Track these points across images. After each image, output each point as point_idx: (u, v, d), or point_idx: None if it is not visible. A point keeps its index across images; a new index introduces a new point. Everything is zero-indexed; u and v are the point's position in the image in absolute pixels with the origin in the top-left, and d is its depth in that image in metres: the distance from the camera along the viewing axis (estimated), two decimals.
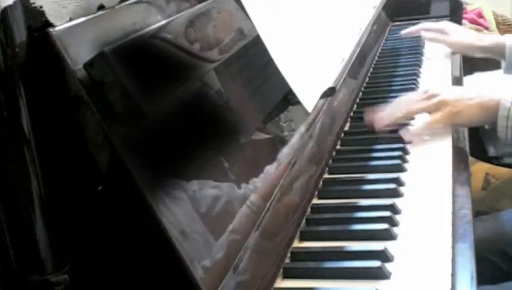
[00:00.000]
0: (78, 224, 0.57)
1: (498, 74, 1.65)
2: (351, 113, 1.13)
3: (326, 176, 0.91)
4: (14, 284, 0.55)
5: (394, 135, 1.01)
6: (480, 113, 0.97)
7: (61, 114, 0.55)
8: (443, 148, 0.96)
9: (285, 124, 0.87)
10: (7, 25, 0.52)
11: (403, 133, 0.99)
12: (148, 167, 0.57)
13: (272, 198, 0.73)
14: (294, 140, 0.86)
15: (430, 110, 0.99)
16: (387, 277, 0.66)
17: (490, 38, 1.43)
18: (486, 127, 1.62)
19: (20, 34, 0.52)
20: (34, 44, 0.54)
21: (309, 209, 0.82)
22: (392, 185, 0.84)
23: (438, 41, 1.44)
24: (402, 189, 0.84)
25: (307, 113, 0.82)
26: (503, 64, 1.40)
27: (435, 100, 0.99)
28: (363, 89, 1.26)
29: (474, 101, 0.97)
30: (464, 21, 1.92)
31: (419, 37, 1.59)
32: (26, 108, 0.52)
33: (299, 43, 0.89)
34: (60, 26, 0.56)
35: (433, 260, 0.68)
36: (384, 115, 1.02)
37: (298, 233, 0.76)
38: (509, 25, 2.28)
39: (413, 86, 1.24)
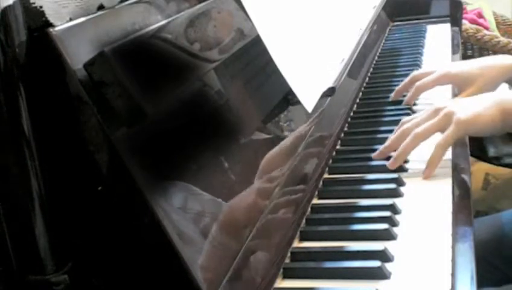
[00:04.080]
0: (78, 224, 0.57)
1: None
2: (351, 113, 1.13)
3: (326, 176, 0.91)
4: (14, 284, 0.55)
5: None
6: (500, 116, 0.85)
7: (61, 114, 0.55)
8: None
9: (285, 124, 0.87)
10: (7, 25, 0.52)
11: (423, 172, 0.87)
12: (148, 167, 0.57)
13: (272, 198, 0.73)
14: (294, 140, 0.86)
15: (439, 128, 0.87)
16: (387, 277, 0.66)
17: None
18: None
19: (20, 34, 0.52)
20: (34, 44, 0.53)
21: (309, 209, 0.82)
22: (392, 185, 0.84)
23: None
24: (402, 189, 0.84)
25: (307, 113, 0.82)
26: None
27: (441, 113, 0.87)
28: (363, 89, 1.26)
29: (488, 104, 0.86)
30: (463, 21, 1.91)
31: (419, 37, 1.59)
32: (26, 108, 0.52)
33: (299, 43, 0.89)
34: (60, 26, 0.56)
35: (433, 260, 0.68)
36: (391, 144, 0.90)
37: (298, 233, 0.76)
38: (509, 25, 2.28)
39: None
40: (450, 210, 0.78)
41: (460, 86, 1.08)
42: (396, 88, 1.16)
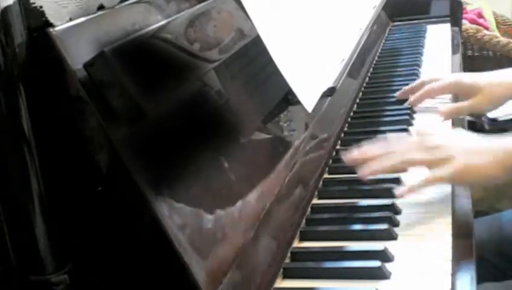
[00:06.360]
0: (78, 224, 0.57)
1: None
2: (351, 113, 1.13)
3: (326, 176, 0.91)
4: (14, 284, 0.55)
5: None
6: (499, 171, 0.77)
7: (61, 114, 0.55)
8: None
9: (285, 124, 0.87)
10: (7, 25, 0.52)
11: (397, 189, 0.80)
12: (148, 167, 0.57)
13: (272, 198, 0.73)
14: (294, 140, 0.87)
15: (430, 165, 0.79)
16: (387, 277, 0.66)
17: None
18: (486, 127, 1.62)
19: (20, 34, 0.52)
20: (34, 44, 0.54)
21: (309, 209, 0.82)
22: (392, 185, 0.84)
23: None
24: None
25: (307, 113, 0.82)
26: None
27: (436, 154, 0.79)
28: (363, 89, 1.26)
29: (488, 154, 0.78)
30: (463, 21, 1.91)
31: (419, 37, 1.59)
32: (26, 108, 0.52)
33: (299, 43, 0.89)
34: (60, 26, 0.56)
35: (433, 260, 0.68)
36: (372, 162, 0.81)
37: (298, 233, 0.76)
38: (509, 25, 2.28)
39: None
40: (450, 210, 0.78)
41: (467, 95, 1.08)
42: (405, 88, 1.16)
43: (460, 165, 0.78)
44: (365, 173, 0.81)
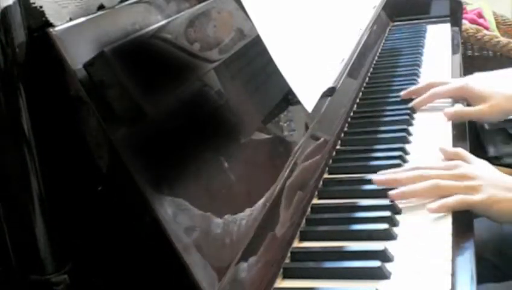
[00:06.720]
0: (78, 224, 0.57)
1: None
2: (351, 113, 1.13)
3: (326, 176, 0.91)
4: (14, 284, 0.55)
5: (394, 135, 1.01)
6: None
7: (61, 114, 0.55)
8: None
9: (285, 124, 0.87)
10: (7, 25, 0.52)
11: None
12: (148, 167, 0.57)
13: (272, 198, 0.73)
14: (294, 140, 0.87)
15: (457, 192, 0.80)
16: (387, 277, 0.66)
17: None
18: (486, 126, 1.62)
19: (20, 34, 0.53)
20: (34, 44, 0.54)
21: (309, 209, 0.82)
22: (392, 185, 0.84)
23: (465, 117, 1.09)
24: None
25: (307, 113, 0.82)
26: None
27: (469, 184, 0.80)
28: (363, 89, 1.26)
29: None
30: (463, 21, 1.91)
31: (419, 37, 1.59)
32: (26, 108, 0.52)
33: (299, 43, 0.89)
34: (60, 26, 0.56)
35: (433, 260, 0.68)
36: (402, 180, 0.83)
37: (298, 233, 0.76)
38: (509, 25, 2.28)
39: (413, 86, 1.23)
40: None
41: (474, 102, 1.08)
42: (410, 88, 1.16)
43: (488, 197, 0.79)
44: (397, 196, 0.81)
